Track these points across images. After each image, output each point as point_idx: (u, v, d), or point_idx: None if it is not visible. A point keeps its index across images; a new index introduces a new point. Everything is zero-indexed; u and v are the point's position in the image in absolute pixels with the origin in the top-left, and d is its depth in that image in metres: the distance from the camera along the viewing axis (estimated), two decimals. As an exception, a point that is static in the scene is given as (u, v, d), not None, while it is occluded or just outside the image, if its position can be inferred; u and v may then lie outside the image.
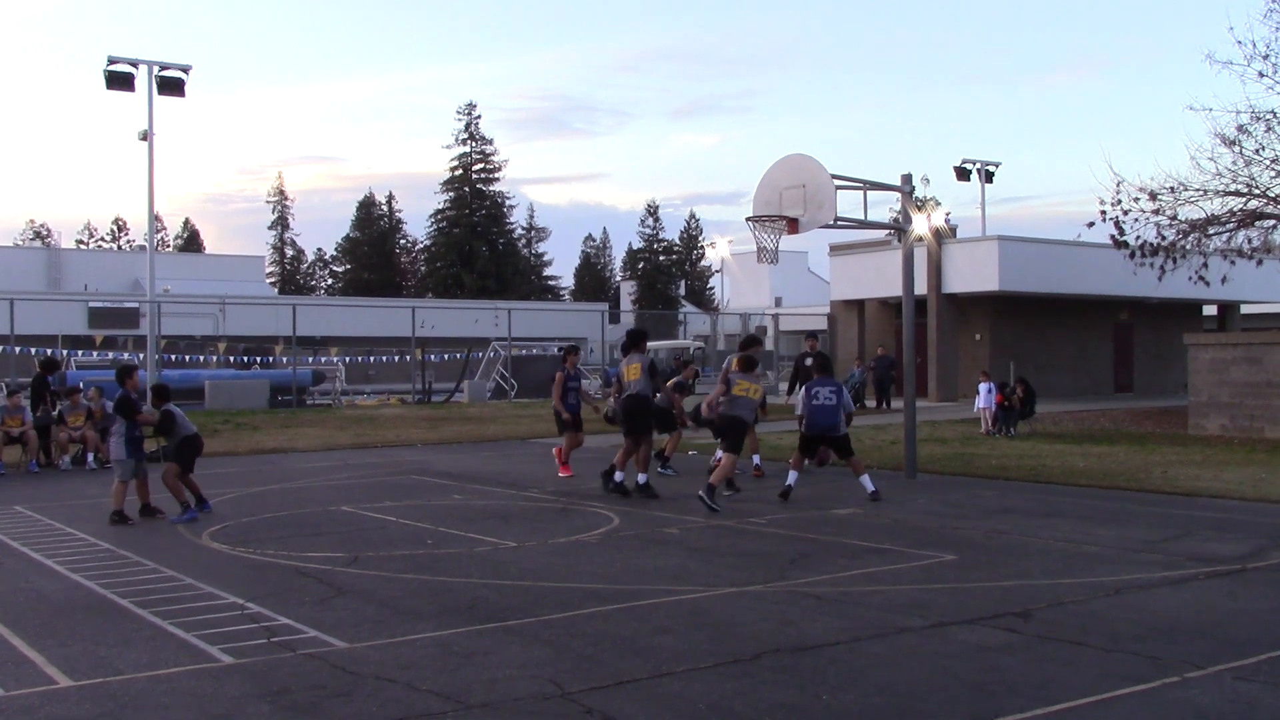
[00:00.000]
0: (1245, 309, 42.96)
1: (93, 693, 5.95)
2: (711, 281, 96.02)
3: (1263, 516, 11.83)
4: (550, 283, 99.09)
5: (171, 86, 28.26)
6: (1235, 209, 23.70)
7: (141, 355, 33.42)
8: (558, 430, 16.36)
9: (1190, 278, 24.56)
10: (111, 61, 27.77)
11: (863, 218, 16.14)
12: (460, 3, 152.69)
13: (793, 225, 14.88)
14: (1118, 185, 24.23)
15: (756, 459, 15.70)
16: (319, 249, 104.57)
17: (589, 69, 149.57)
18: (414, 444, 22.21)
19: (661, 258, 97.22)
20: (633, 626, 7.22)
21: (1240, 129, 22.81)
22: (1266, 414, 21.20)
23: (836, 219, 14.83)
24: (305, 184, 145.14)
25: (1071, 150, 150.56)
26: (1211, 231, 24.11)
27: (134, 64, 28.08)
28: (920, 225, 16.86)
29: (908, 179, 15.81)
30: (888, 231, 21.02)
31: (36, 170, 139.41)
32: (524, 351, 42.40)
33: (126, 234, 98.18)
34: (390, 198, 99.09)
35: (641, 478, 13.62)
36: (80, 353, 38.04)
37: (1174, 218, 24.08)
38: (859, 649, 6.65)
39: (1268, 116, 22.59)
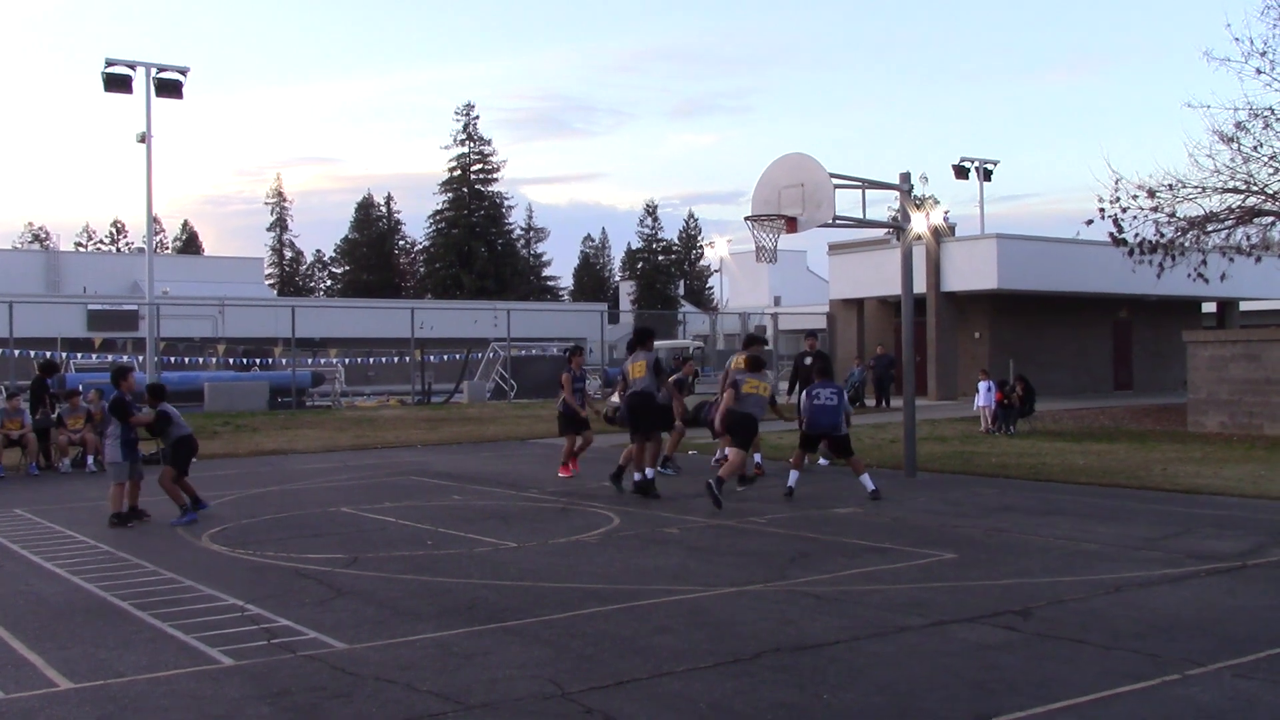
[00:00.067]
0: (1244, 306, 42.96)
1: (92, 695, 5.95)
2: (710, 281, 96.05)
3: (1262, 513, 11.84)
4: (549, 283, 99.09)
5: (169, 88, 28.25)
6: (1234, 206, 23.71)
7: (141, 357, 33.42)
8: (560, 431, 16.31)
9: (1189, 275, 24.57)
10: (109, 64, 27.77)
11: (861, 216, 16.16)
12: (459, 3, 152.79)
13: (791, 224, 14.88)
14: (1116, 183, 24.26)
15: (758, 457, 15.70)
16: (318, 250, 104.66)
17: (587, 69, 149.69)
18: (414, 445, 22.21)
19: (660, 258, 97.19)
20: (633, 626, 7.22)
21: (1238, 126, 22.83)
22: (1265, 411, 21.21)
23: (835, 218, 14.84)
24: (304, 185, 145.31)
25: (1070, 148, 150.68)
26: (1210, 228, 24.11)
27: (131, 66, 28.07)
28: (919, 224, 16.87)
29: (906, 177, 15.81)
30: (887, 230, 21.05)
31: (35, 173, 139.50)
32: (523, 352, 42.41)
33: (125, 236, 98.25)
34: (389, 199, 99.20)
35: (649, 472, 13.65)
36: (79, 355, 38.06)
37: (1172, 215, 24.10)
38: (859, 648, 6.65)
39: (1265, 113, 22.61)
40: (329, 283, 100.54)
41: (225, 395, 31.03)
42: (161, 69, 28.29)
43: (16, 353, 30.01)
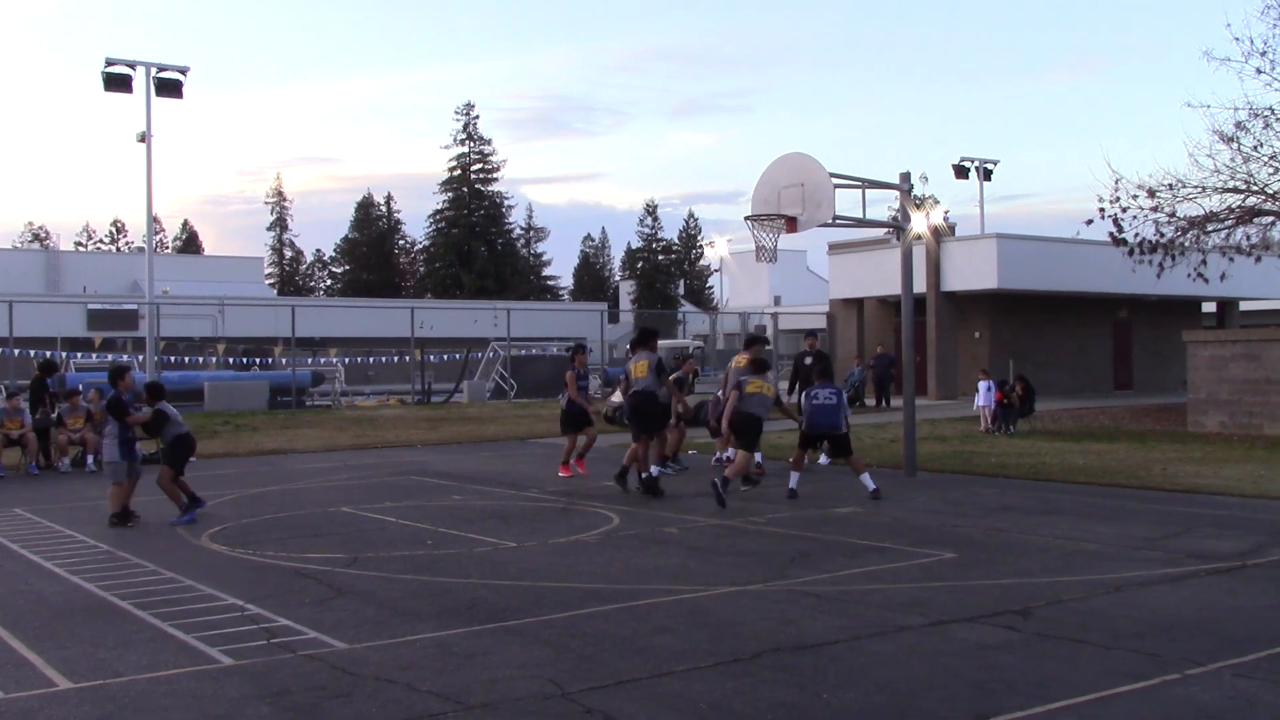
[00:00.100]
0: (1244, 306, 42.96)
1: (92, 695, 5.95)
2: (710, 281, 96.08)
3: (1262, 513, 11.84)
4: (549, 283, 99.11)
5: (169, 88, 28.26)
6: (1233, 206, 23.70)
7: (141, 357, 33.42)
8: (562, 429, 16.29)
9: (1189, 275, 24.57)
10: (109, 63, 27.77)
11: (861, 216, 16.16)
12: (459, 3, 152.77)
13: (791, 224, 14.88)
14: (1116, 182, 24.25)
15: (758, 457, 15.71)
16: (318, 250, 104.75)
17: (587, 69, 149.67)
18: (413, 445, 22.20)
19: (660, 257, 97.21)
20: (632, 626, 7.22)
21: (1238, 126, 22.83)
22: (1265, 411, 21.21)
23: (835, 218, 14.84)
24: (304, 185, 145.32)
25: (1070, 148, 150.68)
26: (1210, 228, 24.11)
27: (131, 65, 28.07)
28: (919, 223, 16.86)
29: (906, 177, 15.81)
30: (886, 230, 21.06)
31: (35, 172, 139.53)
32: (523, 351, 42.39)
33: (125, 236, 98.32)
34: (389, 198, 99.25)
35: (655, 470, 13.66)
36: (79, 355, 38.04)
37: (1172, 215, 24.09)
38: (859, 647, 6.65)
39: (1265, 113, 22.61)
40: (329, 282, 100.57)
41: (225, 395, 31.02)
42: (161, 69, 28.30)
43: (16, 352, 30.00)
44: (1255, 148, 22.82)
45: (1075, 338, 36.45)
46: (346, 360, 41.67)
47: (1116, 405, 29.37)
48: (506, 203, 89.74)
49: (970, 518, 11.70)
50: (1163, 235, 24.22)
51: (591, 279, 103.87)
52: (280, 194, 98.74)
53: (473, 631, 7.16)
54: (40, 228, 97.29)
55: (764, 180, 15.25)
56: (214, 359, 40.44)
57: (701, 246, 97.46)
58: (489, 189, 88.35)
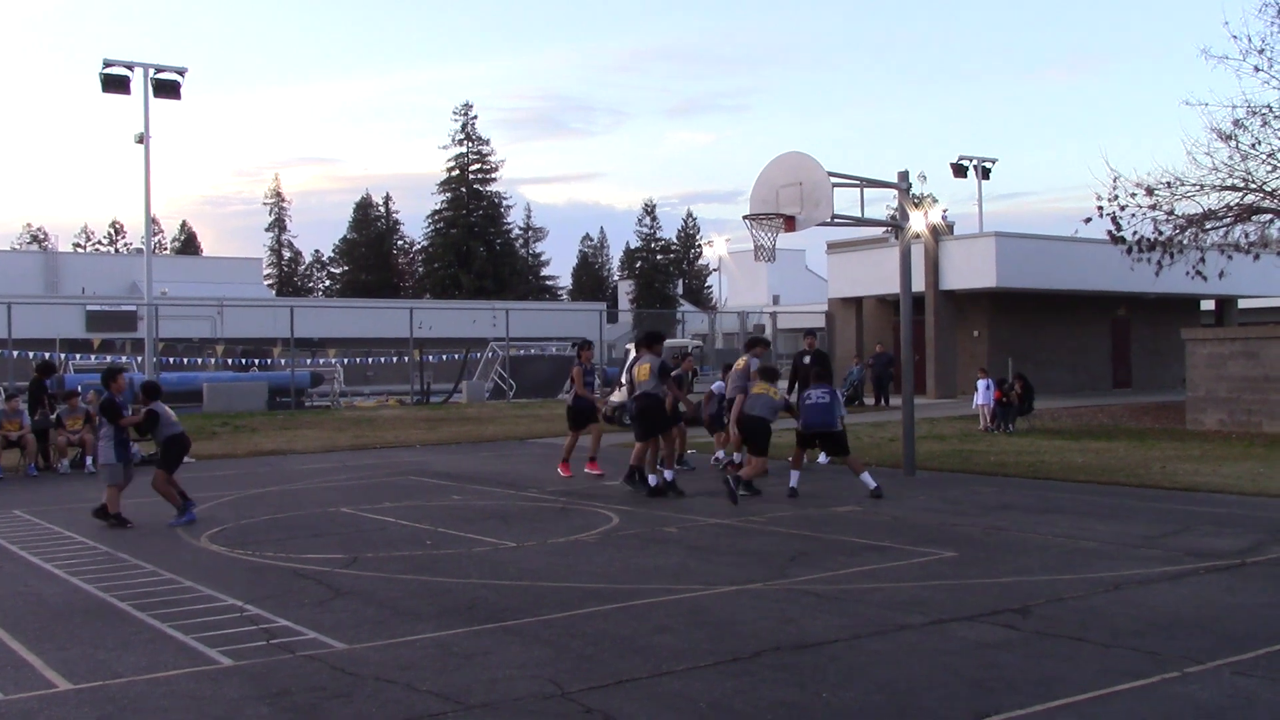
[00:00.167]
0: (1243, 303, 43.01)
1: (91, 696, 5.94)
2: (709, 280, 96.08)
3: (1261, 511, 11.84)
4: (548, 282, 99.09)
5: (167, 89, 28.25)
6: (1232, 204, 23.71)
7: (140, 358, 33.42)
8: (569, 424, 16.27)
9: (1187, 273, 24.58)
10: (107, 64, 27.75)
11: (860, 215, 16.15)
12: (457, 3, 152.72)
13: (790, 223, 14.88)
14: (1114, 181, 24.25)
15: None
16: (316, 250, 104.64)
17: (585, 69, 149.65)
18: (413, 445, 22.20)
19: (659, 257, 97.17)
20: (632, 626, 7.22)
21: (1236, 124, 22.83)
22: (1264, 408, 21.21)
23: (833, 217, 14.83)
24: (302, 186, 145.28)
25: (1068, 146, 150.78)
26: (1208, 226, 24.11)
27: (130, 66, 28.07)
28: (917, 222, 16.88)
29: (904, 176, 15.81)
30: (885, 229, 21.05)
31: (33, 173, 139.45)
32: (522, 351, 42.39)
33: (124, 237, 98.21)
34: (387, 199, 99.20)
35: (669, 474, 13.71)
36: (78, 356, 38.01)
37: (1171, 213, 24.09)
38: (859, 646, 6.65)
39: (1263, 111, 22.61)
40: (328, 283, 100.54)
41: (224, 396, 31.02)
42: (159, 69, 28.29)
43: (15, 354, 30.00)
44: (1253, 145, 22.84)
45: (1074, 336, 36.47)
46: (345, 361, 41.66)
47: (1115, 403, 29.38)
48: (505, 203, 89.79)
49: (969, 516, 11.71)
50: (1161, 233, 24.22)
51: (590, 279, 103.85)
52: (279, 194, 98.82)
53: (472, 631, 7.16)
54: (39, 229, 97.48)
55: (762, 179, 15.25)
56: (213, 360, 40.42)
57: (700, 246, 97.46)
58: (487, 189, 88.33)
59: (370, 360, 46.07)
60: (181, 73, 28.43)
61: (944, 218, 34.08)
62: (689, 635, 6.97)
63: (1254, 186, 23.24)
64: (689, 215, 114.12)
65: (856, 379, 30.96)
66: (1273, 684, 5.82)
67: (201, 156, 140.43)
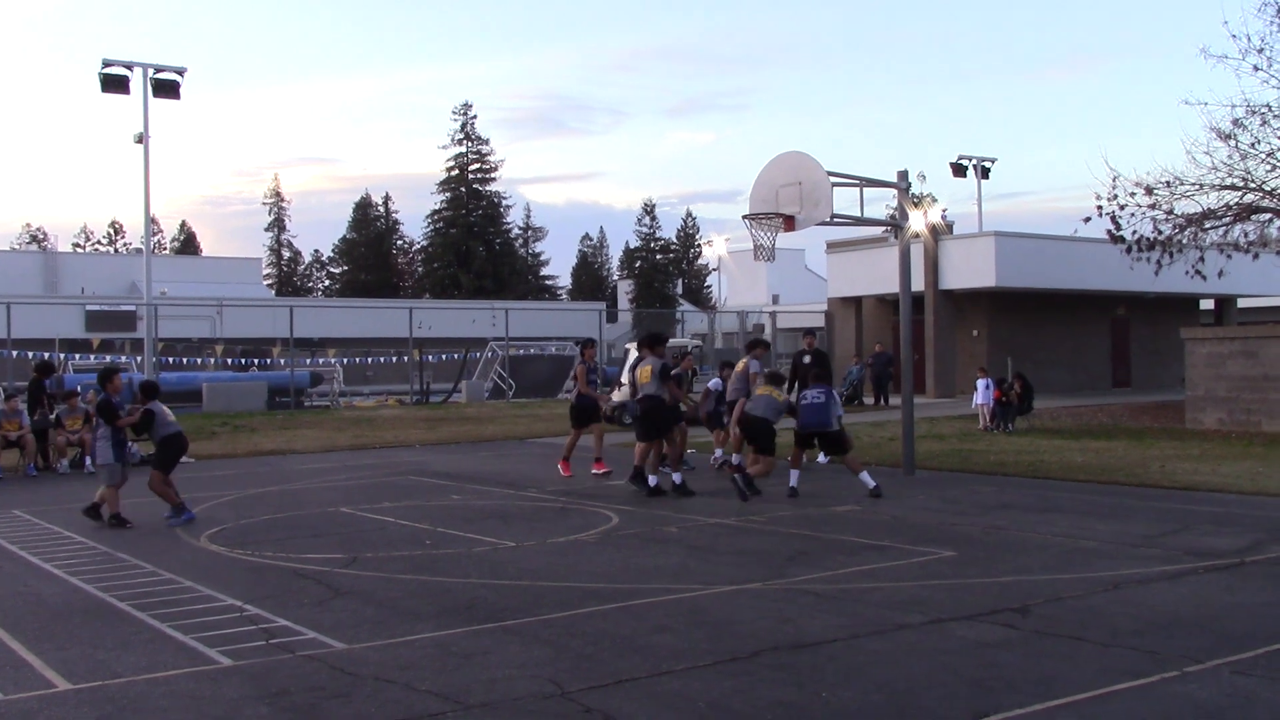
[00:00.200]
0: (1242, 303, 43.02)
1: (91, 696, 5.95)
2: (709, 280, 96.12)
3: (1260, 510, 11.85)
4: (547, 282, 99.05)
5: (166, 89, 28.26)
6: (1231, 203, 23.72)
7: (139, 358, 33.41)
8: (572, 422, 16.26)
9: (1187, 272, 24.60)
10: (106, 64, 27.77)
11: (859, 215, 16.14)
12: (457, 3, 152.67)
13: (789, 223, 14.88)
14: (1114, 180, 24.27)
15: (736, 458, 15.83)
16: (316, 250, 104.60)
17: (584, 68, 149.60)
18: (412, 445, 22.20)
19: (658, 256, 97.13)
20: (631, 625, 7.22)
21: (1235, 123, 22.84)
22: (1263, 408, 21.22)
23: (833, 216, 14.84)
24: (301, 185, 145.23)
25: (1068, 146, 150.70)
26: (1207, 225, 24.13)
27: (129, 66, 28.08)
28: (917, 222, 16.87)
29: (904, 175, 15.81)
30: (885, 228, 21.05)
31: (33, 173, 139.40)
32: (521, 351, 42.40)
33: (123, 237, 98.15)
34: (387, 199, 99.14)
35: (677, 477, 13.73)
36: (77, 356, 38.02)
37: (1170, 212, 24.11)
38: (858, 646, 6.66)
39: (1263, 110, 22.63)
40: (327, 283, 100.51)
41: (223, 395, 31.03)
42: (159, 69, 28.31)
43: (15, 354, 29.99)
44: (1253, 145, 22.85)
45: (1073, 335, 36.49)
46: (345, 361, 41.68)
47: (1115, 403, 29.39)
48: (504, 202, 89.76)
49: (969, 516, 11.71)
50: (1160, 233, 24.24)
51: (590, 278, 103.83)
52: (278, 194, 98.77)
53: (472, 631, 7.16)
54: (38, 229, 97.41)
55: (762, 179, 15.25)
56: (212, 360, 40.42)
57: (700, 245, 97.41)
58: (487, 189, 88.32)
59: (370, 360, 46.08)
60: (181, 72, 28.45)
61: (943, 217, 34.11)
62: (688, 635, 6.97)
63: (1253, 186, 23.25)
64: (688, 215, 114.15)
65: (856, 379, 30.97)
66: (1272, 683, 5.83)
67: (201, 156, 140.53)
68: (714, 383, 16.68)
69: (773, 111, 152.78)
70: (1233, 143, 22.94)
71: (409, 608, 7.88)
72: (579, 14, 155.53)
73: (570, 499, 13.58)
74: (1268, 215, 24.31)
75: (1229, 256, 25.02)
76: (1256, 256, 26.05)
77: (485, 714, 5.55)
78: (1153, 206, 24.02)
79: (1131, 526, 10.82)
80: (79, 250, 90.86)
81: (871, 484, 13.16)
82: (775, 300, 62.88)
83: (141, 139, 28.49)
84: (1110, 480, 14.49)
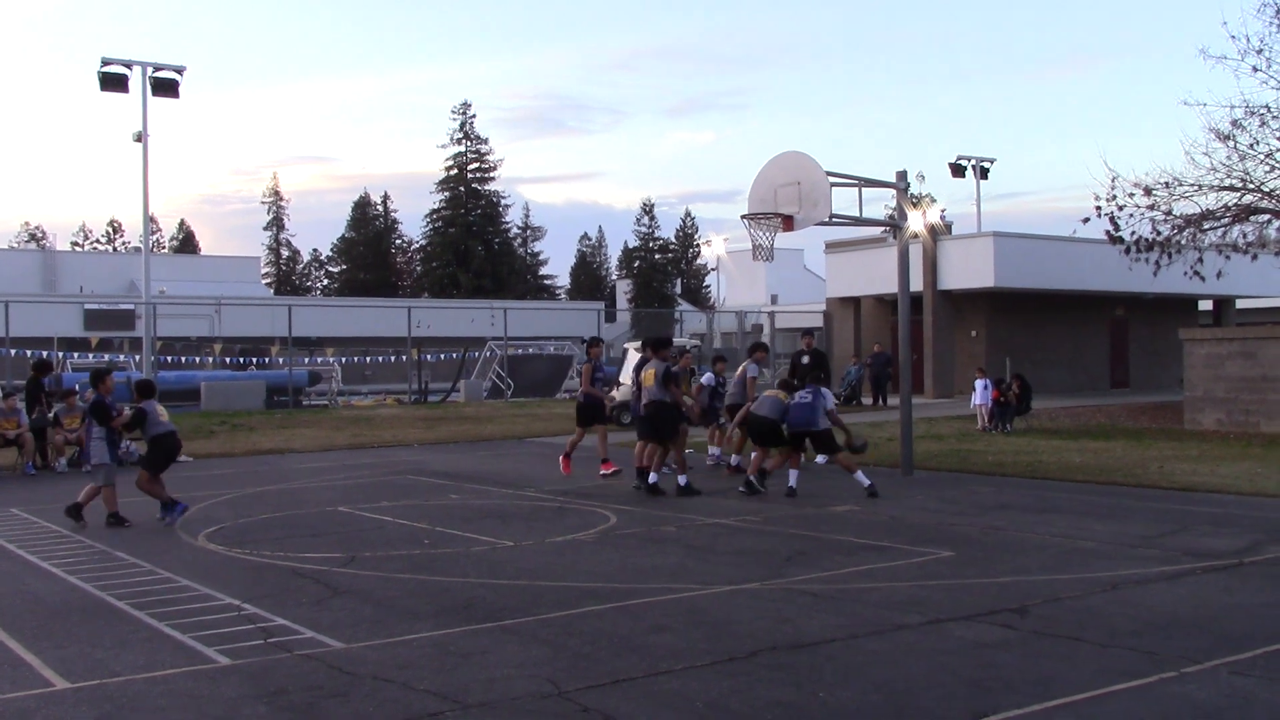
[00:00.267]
0: (1241, 304, 43.04)
1: (89, 695, 5.94)
2: (707, 280, 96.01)
3: (1258, 511, 11.85)
4: (546, 282, 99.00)
5: (165, 88, 28.26)
6: (1230, 204, 23.73)
7: (137, 357, 33.40)
8: (577, 422, 16.23)
9: (1185, 273, 24.61)
10: (105, 63, 27.75)
11: (858, 215, 16.15)
12: (454, 3, 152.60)
13: (788, 223, 14.89)
14: (1112, 181, 24.28)
15: (735, 459, 15.87)
16: (314, 249, 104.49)
17: (583, 68, 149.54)
18: (410, 444, 22.20)
19: (657, 256, 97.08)
20: (630, 625, 7.22)
21: (1234, 124, 22.85)
22: (1262, 408, 21.23)
23: (832, 216, 14.84)
24: (300, 185, 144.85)
25: (1066, 146, 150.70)
26: (1206, 226, 24.14)
27: (128, 65, 28.07)
28: (915, 222, 16.86)
29: (903, 176, 15.82)
30: (883, 229, 21.04)
31: (32, 172, 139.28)
32: (520, 351, 42.40)
33: (122, 235, 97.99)
34: (385, 198, 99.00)
35: (682, 480, 13.74)
36: (76, 355, 38.00)
37: (1169, 213, 24.12)
38: (856, 646, 6.66)
39: (1261, 111, 22.64)
40: (326, 282, 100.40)
41: (222, 394, 31.02)
42: (158, 68, 28.31)
43: (13, 352, 29.97)
44: (1251, 146, 22.86)
45: (1072, 336, 36.51)
46: (343, 360, 41.65)
47: (1113, 403, 29.41)
48: (503, 202, 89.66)
49: (967, 516, 11.71)
50: (1159, 233, 24.25)
51: (588, 278, 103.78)
52: (277, 193, 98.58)
53: (470, 631, 7.16)
54: (37, 227, 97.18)
55: (760, 179, 15.26)
56: (211, 359, 40.40)
57: (698, 245, 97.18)
58: (486, 188, 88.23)
59: (368, 359, 46.06)
60: (180, 71, 28.45)
61: (942, 217, 34.11)
62: (686, 634, 6.97)
63: (1252, 187, 23.26)
64: (687, 215, 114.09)
65: (855, 379, 30.97)
66: (1270, 683, 5.83)
67: (200, 155, 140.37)
68: (707, 378, 16.66)
69: (772, 111, 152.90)
70: (1231, 143, 22.97)
71: (407, 607, 7.88)
72: (579, 14, 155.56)
73: (568, 498, 13.58)
74: (1266, 216, 24.32)
75: (1227, 257, 25.03)
76: (1255, 257, 26.07)
77: (483, 713, 5.55)
78: (1151, 207, 24.05)
79: (1130, 527, 10.83)
80: (77, 249, 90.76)
81: (866, 483, 13.17)
82: (774, 300, 62.85)
83: (140, 138, 28.47)
84: (1109, 481, 14.49)
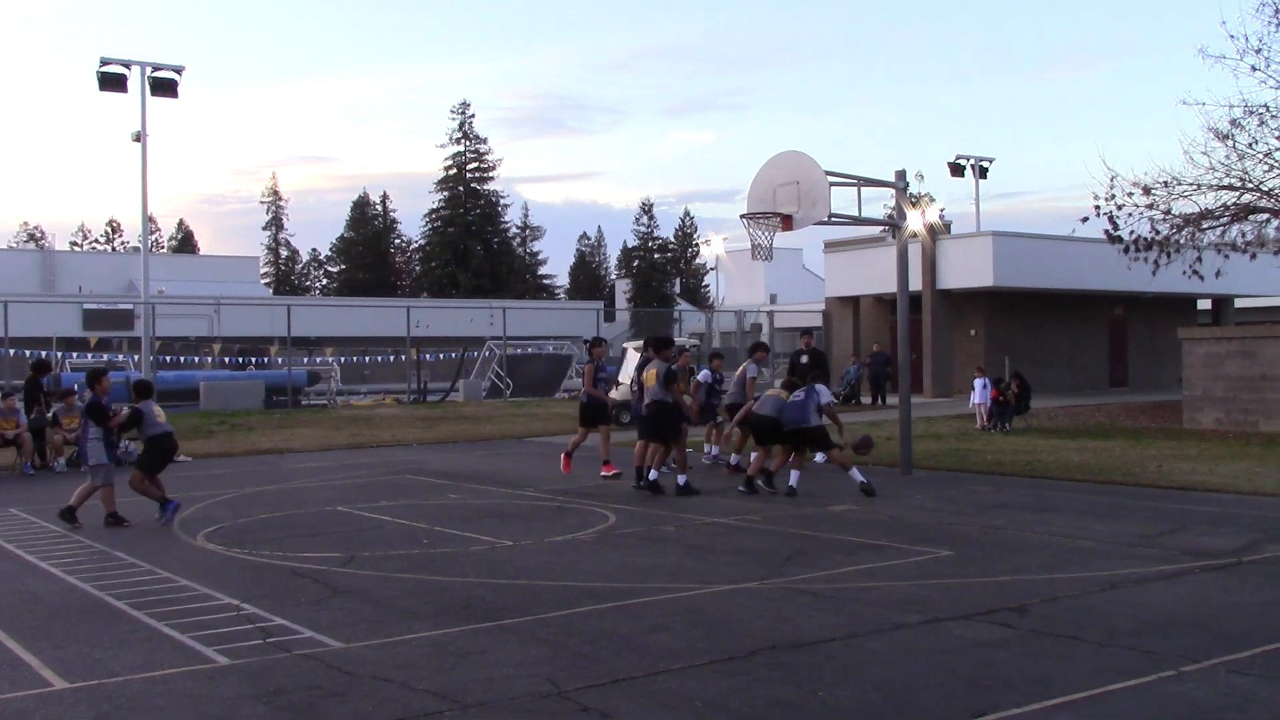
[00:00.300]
0: (1239, 303, 43.06)
1: (88, 695, 5.94)
2: (706, 279, 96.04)
3: (1257, 510, 11.86)
4: (545, 281, 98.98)
5: (164, 87, 28.25)
6: (1229, 203, 23.74)
7: (136, 357, 33.39)
8: (580, 422, 16.21)
9: (1184, 272, 24.61)
10: (104, 62, 27.75)
11: (857, 214, 16.15)
12: (454, 3, 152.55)
13: (787, 222, 14.89)
14: (1111, 180, 24.29)
15: (734, 458, 15.87)
16: (313, 249, 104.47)
17: (583, 67, 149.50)
18: (409, 444, 22.19)
19: (656, 256, 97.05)
20: (629, 624, 7.22)
21: (1233, 123, 22.86)
22: (1261, 408, 21.24)
23: (831, 216, 14.85)
24: (299, 184, 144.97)
25: (1065, 145, 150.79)
26: (1205, 226, 24.14)
27: (127, 65, 28.06)
28: (914, 221, 16.85)
29: (902, 175, 15.81)
30: (882, 228, 21.05)
31: (30, 172, 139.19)
32: (519, 350, 42.40)
33: (121, 235, 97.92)
34: (384, 197, 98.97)
35: (682, 479, 13.75)
36: (74, 354, 37.99)
37: (1168, 212, 24.13)
38: (855, 645, 6.66)
39: (1260, 110, 22.64)
40: (325, 281, 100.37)
41: (221, 394, 31.01)
42: (157, 68, 28.29)
43: (12, 352, 29.96)
44: (1250, 145, 22.87)
45: (1071, 335, 36.52)
46: (342, 359, 41.66)
47: (1112, 402, 29.42)
48: (502, 201, 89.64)
49: (966, 515, 11.71)
50: (1158, 233, 24.25)
51: (588, 278, 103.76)
52: (276, 193, 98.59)
53: (469, 630, 7.16)
54: (36, 227, 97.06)
55: (759, 179, 15.26)
56: (210, 359, 40.40)
57: (697, 245, 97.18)
58: (485, 188, 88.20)
59: (367, 359, 46.06)
60: (179, 71, 28.43)
61: (941, 217, 34.16)
62: (685, 634, 6.97)
63: (1251, 186, 23.27)
64: (686, 214, 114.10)
65: (854, 378, 30.97)
66: (1269, 682, 5.83)
67: (199, 155, 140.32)
68: (704, 374, 16.66)
69: (772, 111, 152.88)
70: (1230, 143, 22.98)
71: (406, 607, 7.88)
72: (578, 14, 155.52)
73: (567, 498, 13.58)
74: (1265, 215, 24.33)
75: (1226, 256, 25.04)
76: (1254, 257, 26.06)
77: (482, 713, 5.54)
78: (1150, 206, 24.05)
79: (1128, 526, 10.83)
80: (76, 249, 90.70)
81: (860, 479, 13.16)
82: (773, 300, 62.86)
83: (139, 137, 28.45)
84: (1107, 480, 14.50)
